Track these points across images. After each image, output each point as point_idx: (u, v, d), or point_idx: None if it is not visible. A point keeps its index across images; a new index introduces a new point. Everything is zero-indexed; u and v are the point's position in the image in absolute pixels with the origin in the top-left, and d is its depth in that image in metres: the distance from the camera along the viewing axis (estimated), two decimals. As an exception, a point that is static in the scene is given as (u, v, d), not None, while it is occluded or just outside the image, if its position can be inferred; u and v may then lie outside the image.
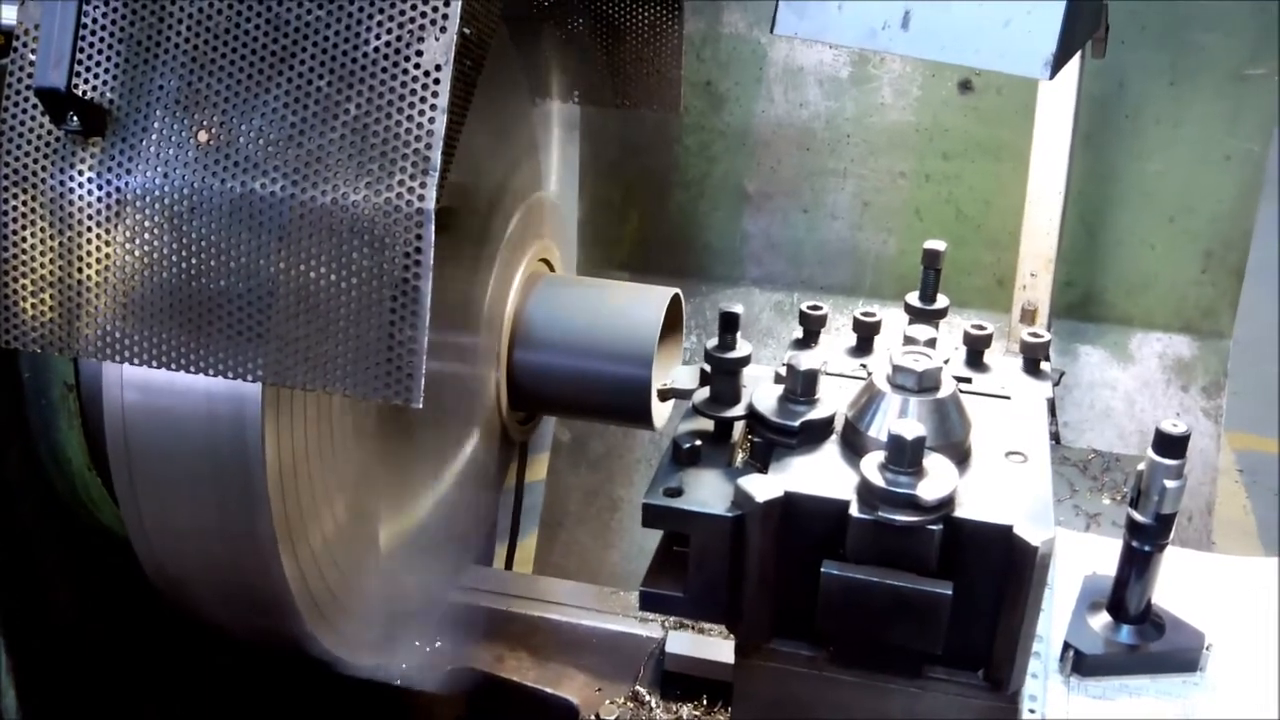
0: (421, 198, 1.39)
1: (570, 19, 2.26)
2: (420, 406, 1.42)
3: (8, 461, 1.81)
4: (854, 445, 1.61)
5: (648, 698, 2.44)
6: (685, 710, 2.42)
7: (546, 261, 2.16)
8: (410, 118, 1.40)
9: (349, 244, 1.41)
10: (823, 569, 1.48)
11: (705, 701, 2.38)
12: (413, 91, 1.40)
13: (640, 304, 2.02)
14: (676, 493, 1.57)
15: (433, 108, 1.39)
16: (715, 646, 2.43)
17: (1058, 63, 1.65)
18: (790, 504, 1.52)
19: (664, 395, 1.97)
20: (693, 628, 2.50)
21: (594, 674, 2.46)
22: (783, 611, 1.58)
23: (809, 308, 1.88)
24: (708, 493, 1.57)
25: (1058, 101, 2.57)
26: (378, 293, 1.41)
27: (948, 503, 1.45)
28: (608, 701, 2.43)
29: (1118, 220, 2.89)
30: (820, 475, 1.56)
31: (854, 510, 1.48)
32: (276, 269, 1.43)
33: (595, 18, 2.27)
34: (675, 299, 2.06)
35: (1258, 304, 2.95)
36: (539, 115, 2.23)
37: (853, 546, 1.48)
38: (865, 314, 1.86)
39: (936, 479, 1.45)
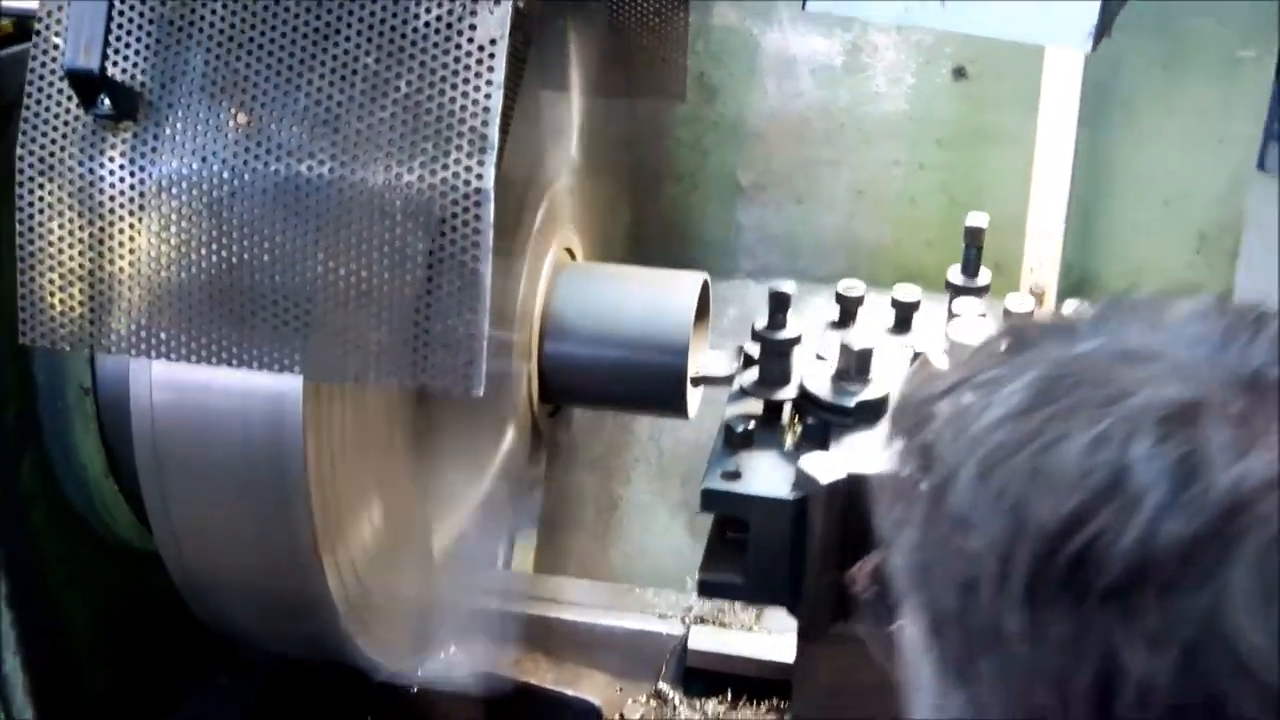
0: (480, 177, 1.34)
1: (579, 6, 2.22)
2: (481, 394, 1.38)
3: (21, 470, 1.73)
4: (911, 424, 1.58)
5: (671, 695, 2.40)
6: (710, 706, 2.38)
7: (569, 251, 2.12)
8: (465, 94, 1.35)
9: (402, 227, 1.36)
10: (892, 549, 1.45)
11: (729, 697, 2.34)
12: (467, 67, 1.35)
13: (671, 291, 1.98)
14: (734, 476, 1.55)
15: (489, 83, 1.35)
16: (739, 640, 2.40)
17: (1099, 34, 1.64)
18: (855, 484, 1.49)
19: (697, 382, 1.94)
20: (714, 622, 2.46)
21: (614, 673, 2.42)
22: (846, 594, 1.55)
23: (845, 288, 1.86)
24: (766, 475, 1.55)
25: (1064, 76, 2.58)
26: (436, 277, 1.35)
27: (1019, 475, 1.43)
28: (630, 701, 2.39)
29: (1112, 205, 2.90)
30: (882, 454, 1.54)
31: (922, 488, 1.45)
32: (324, 255, 1.37)
33: (603, 4, 2.24)
34: (704, 285, 2.03)
35: (1250, 288, 2.97)
36: (558, 103, 2.19)
37: (921, 525, 1.45)
38: (904, 292, 1.85)
39: (1007, 452, 1.43)
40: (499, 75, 1.34)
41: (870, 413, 1.60)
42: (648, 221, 3.01)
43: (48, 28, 1.41)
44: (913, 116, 2.95)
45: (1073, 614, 0.60)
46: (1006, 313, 1.76)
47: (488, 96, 1.34)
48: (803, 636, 1.61)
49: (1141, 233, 2.92)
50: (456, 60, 1.35)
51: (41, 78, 1.41)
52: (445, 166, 1.34)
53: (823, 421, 1.60)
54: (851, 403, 1.59)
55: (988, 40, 2.82)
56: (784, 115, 2.98)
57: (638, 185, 2.85)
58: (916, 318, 1.83)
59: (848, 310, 1.84)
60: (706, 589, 1.57)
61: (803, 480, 1.49)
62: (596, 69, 2.24)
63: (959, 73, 2.90)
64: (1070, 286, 2.93)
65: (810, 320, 1.83)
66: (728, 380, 1.82)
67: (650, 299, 1.97)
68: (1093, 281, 2.97)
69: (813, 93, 2.98)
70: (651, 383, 1.95)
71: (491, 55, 1.34)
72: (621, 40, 2.27)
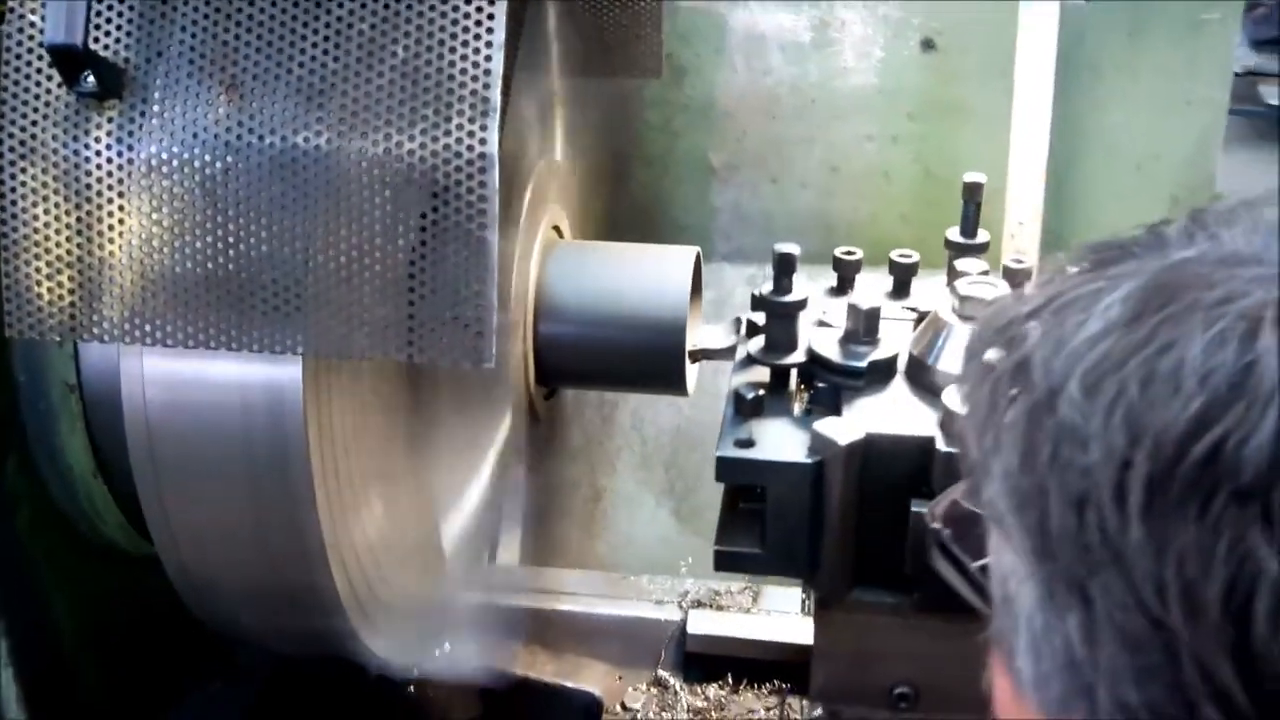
0: (483, 141, 1.30)
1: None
2: (492, 366, 1.34)
3: (4, 472, 1.66)
4: (922, 382, 1.57)
5: (671, 682, 2.37)
6: (711, 691, 2.36)
7: (557, 229, 2.08)
8: (465, 56, 1.31)
9: (405, 195, 1.32)
10: (913, 509, 1.44)
11: (730, 680, 2.32)
12: (465, 29, 1.31)
13: (665, 266, 1.95)
14: (748, 444, 1.52)
15: (489, 44, 1.31)
16: (737, 623, 2.38)
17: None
18: (871, 445, 1.47)
19: (695, 357, 1.92)
20: (711, 606, 2.44)
21: (613, 662, 2.39)
22: (864, 559, 1.54)
23: (843, 253, 1.84)
24: (780, 441, 1.52)
25: (1038, 43, 2.59)
26: (440, 248, 1.32)
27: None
28: (631, 689, 2.36)
29: (1084, 170, 2.91)
30: (896, 414, 1.52)
31: (940, 445, 1.44)
32: (323, 230, 1.32)
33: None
34: (697, 258, 2.00)
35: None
36: (541, 79, 2.15)
37: (940, 483, 1.44)
38: (902, 255, 1.83)
39: (1025, 404, 1.42)
40: (499, 36, 1.31)
41: (880, 373, 1.58)
42: (620, 207, 2.98)
43: (22, 3, 1.36)
44: (883, 90, 2.94)
45: (1198, 521, 0.57)
46: (1007, 270, 1.75)
47: (488, 59, 1.31)
48: (821, 604, 1.59)
49: (1114, 198, 2.93)
50: (454, 22, 1.31)
51: (19, 56, 1.36)
52: (447, 132, 1.30)
53: (833, 385, 1.58)
54: (862, 363, 1.57)
55: (955, 11, 2.84)
56: (754, 94, 2.96)
57: (610, 170, 2.82)
58: (914, 281, 1.82)
59: (846, 276, 1.82)
60: (724, 560, 1.54)
61: (819, 443, 1.47)
62: (574, 46, 2.20)
63: (927, 44, 2.90)
64: (1046, 253, 2.95)
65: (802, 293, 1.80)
66: (728, 353, 1.79)
67: (645, 275, 1.94)
68: (1067, 246, 3.00)
69: (782, 70, 2.96)
70: (650, 360, 1.92)
71: (490, 15, 1.30)
72: (597, 17, 2.24)
